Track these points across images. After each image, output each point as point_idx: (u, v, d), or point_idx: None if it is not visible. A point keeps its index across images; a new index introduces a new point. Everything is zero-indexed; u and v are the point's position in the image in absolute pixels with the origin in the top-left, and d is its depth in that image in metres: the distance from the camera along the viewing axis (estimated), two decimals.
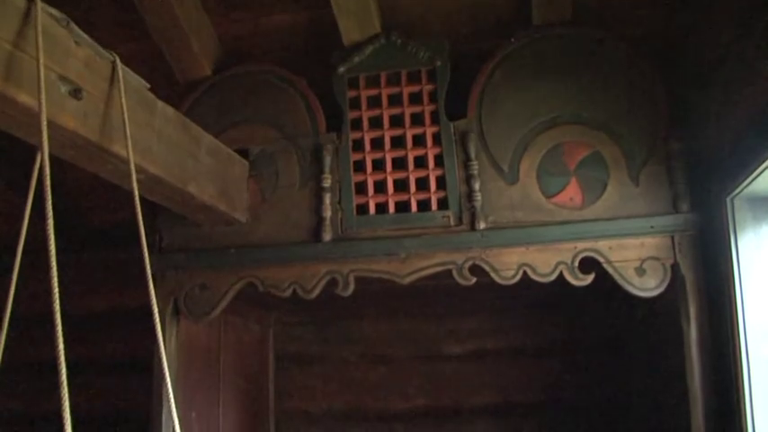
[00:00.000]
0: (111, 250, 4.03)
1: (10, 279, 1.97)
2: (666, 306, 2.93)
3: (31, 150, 1.96)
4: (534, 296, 3.82)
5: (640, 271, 2.69)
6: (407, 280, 2.81)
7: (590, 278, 2.69)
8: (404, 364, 4.07)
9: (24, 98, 1.73)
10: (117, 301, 4.07)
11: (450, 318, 4.05)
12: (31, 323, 3.78)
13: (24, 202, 1.93)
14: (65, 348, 1.60)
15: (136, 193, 2.10)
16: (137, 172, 2.14)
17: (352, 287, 2.85)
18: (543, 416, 3.89)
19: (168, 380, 2.20)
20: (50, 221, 1.66)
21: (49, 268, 1.63)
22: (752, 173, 2.27)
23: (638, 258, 2.70)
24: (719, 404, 2.57)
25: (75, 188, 3.87)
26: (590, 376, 3.85)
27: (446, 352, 4.03)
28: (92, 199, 4.03)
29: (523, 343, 3.96)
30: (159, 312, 2.18)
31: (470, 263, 2.76)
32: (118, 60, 2.13)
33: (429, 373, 4.03)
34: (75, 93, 1.93)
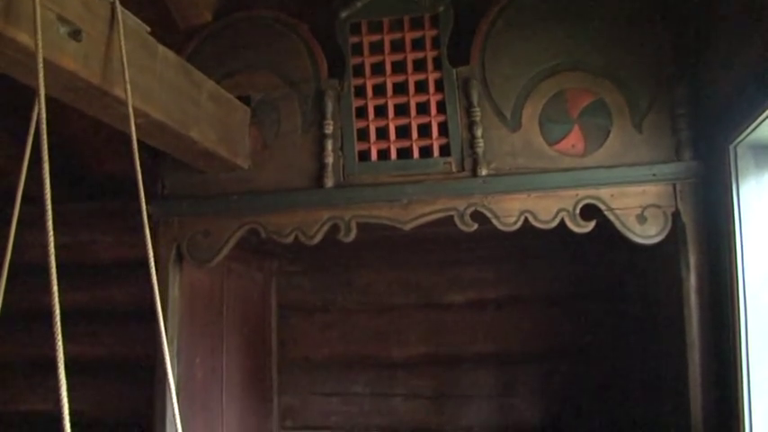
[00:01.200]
0: (115, 199, 4.04)
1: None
2: (666, 256, 2.94)
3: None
4: (535, 246, 3.84)
5: (641, 219, 2.70)
6: (409, 226, 2.82)
7: (591, 225, 2.70)
8: (405, 312, 4.10)
9: (23, 38, 1.70)
10: (121, 250, 4.09)
11: (451, 267, 4.07)
12: (39, 272, 3.82)
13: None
14: (65, 296, 1.61)
15: (134, 136, 2.10)
16: (138, 116, 2.14)
17: (354, 233, 2.86)
18: (543, 364, 3.93)
19: (162, 325, 2.23)
20: (46, 165, 1.66)
21: (44, 215, 1.64)
22: (755, 120, 2.25)
23: (639, 206, 2.70)
24: (717, 352, 2.61)
25: (78, 137, 3.86)
26: (589, 325, 3.87)
27: (447, 301, 4.06)
28: (96, 148, 4.02)
29: (524, 292, 3.97)
30: (162, 259, 2.20)
31: (472, 209, 2.77)
32: (117, 2, 2.10)
33: (430, 322, 4.06)
34: (75, 34, 1.91)
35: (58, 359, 1.58)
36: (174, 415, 2.95)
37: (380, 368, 4.11)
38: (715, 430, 2.57)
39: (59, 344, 1.60)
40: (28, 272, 3.88)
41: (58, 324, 1.60)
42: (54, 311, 1.60)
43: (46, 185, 1.65)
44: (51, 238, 1.64)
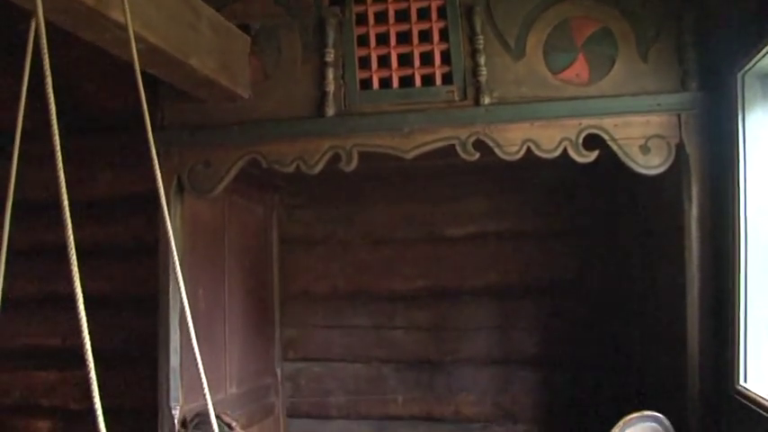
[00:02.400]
0: (113, 134, 4.01)
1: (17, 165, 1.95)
2: (668, 189, 2.93)
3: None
4: (537, 180, 3.84)
5: (645, 149, 2.68)
6: (411, 155, 2.81)
7: (594, 155, 2.69)
8: (406, 245, 4.11)
9: None
10: (121, 185, 4.07)
11: (452, 201, 4.06)
12: (40, 209, 3.83)
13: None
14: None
15: (136, 60, 2.07)
16: (136, 41, 2.10)
17: (355, 162, 2.84)
18: (542, 297, 3.96)
19: (175, 254, 2.24)
20: (51, 97, 1.64)
21: (54, 151, 1.62)
22: (764, 48, 2.22)
23: (642, 136, 2.68)
24: (716, 284, 2.63)
25: (74, 71, 3.82)
26: (589, 260, 3.89)
27: (447, 234, 4.06)
28: (93, 82, 3.98)
29: (524, 226, 3.98)
30: (163, 190, 2.20)
31: (474, 138, 2.74)
32: None
33: (430, 255, 4.07)
34: None
35: (77, 295, 1.58)
36: (178, 344, 3.02)
37: (381, 301, 4.14)
38: (710, 362, 2.61)
39: (77, 280, 1.60)
40: (29, 209, 3.90)
41: (74, 261, 1.61)
42: (69, 248, 1.60)
43: (53, 120, 1.64)
44: (62, 174, 1.64)
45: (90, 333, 1.59)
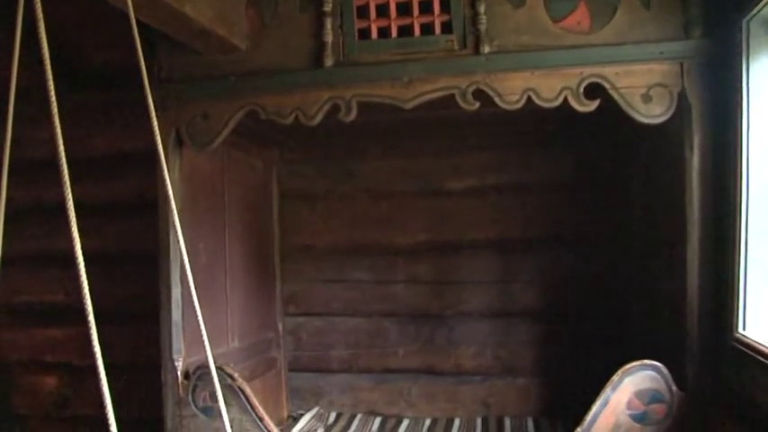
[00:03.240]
0: (108, 91, 3.99)
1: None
2: (669, 140, 2.91)
3: None
4: (538, 132, 3.81)
5: (646, 98, 2.65)
6: (410, 105, 2.78)
7: (595, 104, 2.66)
8: (406, 199, 4.10)
9: None
10: (118, 142, 4.07)
11: (453, 154, 4.04)
12: (40, 167, 3.83)
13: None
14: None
15: (131, 7, 2.05)
16: None
17: (354, 113, 2.81)
18: (543, 251, 3.97)
19: (174, 207, 2.24)
20: (45, 51, 1.61)
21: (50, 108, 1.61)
22: None
23: (644, 85, 2.65)
24: (716, 234, 2.62)
25: (68, 26, 3.79)
26: (591, 213, 3.88)
27: (448, 188, 4.05)
28: (87, 36, 3.94)
29: (525, 179, 3.96)
30: (161, 143, 2.19)
31: (474, 87, 2.71)
32: None
33: (431, 209, 4.07)
34: None
35: (77, 253, 1.59)
36: (179, 298, 3.03)
37: (382, 255, 4.15)
38: (710, 310, 2.62)
39: (76, 239, 1.60)
40: (29, 168, 3.90)
41: (74, 220, 1.61)
42: (68, 207, 1.61)
43: (48, 73, 1.62)
44: (59, 132, 1.62)
45: (91, 290, 1.60)
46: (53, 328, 4.29)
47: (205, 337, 2.11)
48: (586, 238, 3.90)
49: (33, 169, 3.84)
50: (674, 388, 2.63)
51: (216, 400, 2.85)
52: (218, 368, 2.50)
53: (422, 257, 4.10)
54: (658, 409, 2.65)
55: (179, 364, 2.98)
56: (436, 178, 4.06)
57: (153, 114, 2.16)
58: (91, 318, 1.56)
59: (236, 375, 2.90)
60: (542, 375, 4.00)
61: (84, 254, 1.61)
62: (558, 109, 2.71)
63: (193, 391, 2.97)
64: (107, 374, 1.58)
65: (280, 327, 4.24)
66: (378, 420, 4.03)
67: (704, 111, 2.63)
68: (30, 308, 4.32)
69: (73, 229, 1.59)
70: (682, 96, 2.64)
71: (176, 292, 3.02)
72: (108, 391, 1.56)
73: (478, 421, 3.92)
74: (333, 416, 4.13)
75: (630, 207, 3.74)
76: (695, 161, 2.64)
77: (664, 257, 3.18)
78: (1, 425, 4.33)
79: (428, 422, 3.94)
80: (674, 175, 2.80)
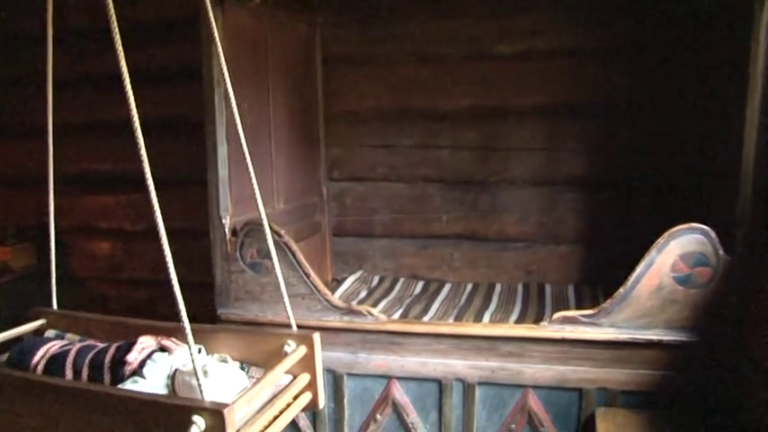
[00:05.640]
0: None
1: None
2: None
3: None
4: None
5: None
6: None
7: None
8: (452, 63, 3.98)
9: None
10: (163, 8, 4.05)
11: (501, 16, 3.87)
12: (82, 39, 3.82)
13: None
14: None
15: None
16: None
17: None
18: (592, 118, 3.86)
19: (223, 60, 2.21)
20: None
21: None
22: None
23: None
24: None
25: None
26: (642, 80, 3.73)
27: (494, 51, 3.91)
28: None
29: (575, 44, 3.80)
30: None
31: None
32: None
33: (476, 73, 3.95)
34: None
35: (134, 121, 1.65)
36: (225, 157, 3.05)
37: (426, 120, 4.08)
38: (764, 175, 2.55)
39: (133, 106, 1.67)
40: (74, 40, 3.89)
41: (129, 87, 1.65)
42: (123, 75, 1.63)
43: None
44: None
45: (137, 159, 1.62)
46: (105, 195, 4.41)
47: (256, 188, 2.12)
48: (636, 104, 3.77)
49: (80, 41, 3.83)
50: (721, 252, 2.61)
51: (264, 257, 2.94)
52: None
53: (467, 122, 4.02)
54: (703, 273, 2.63)
55: (226, 222, 3.04)
56: (483, 41, 3.92)
57: None
58: (151, 185, 1.61)
59: (282, 232, 2.95)
60: (585, 244, 3.99)
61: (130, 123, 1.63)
62: None
63: (241, 247, 3.04)
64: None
65: (324, 191, 4.27)
66: (420, 284, 4.10)
67: None
68: (81, 176, 4.42)
69: (130, 99, 1.64)
70: None
71: (222, 150, 3.03)
72: (169, 252, 1.60)
73: (519, 287, 3.96)
74: (376, 279, 4.21)
75: (685, 72, 3.60)
76: (765, 17, 2.48)
77: (719, 125, 3.07)
78: (61, 286, 4.59)
79: (469, 287, 3.99)
80: (738, 36, 2.66)
